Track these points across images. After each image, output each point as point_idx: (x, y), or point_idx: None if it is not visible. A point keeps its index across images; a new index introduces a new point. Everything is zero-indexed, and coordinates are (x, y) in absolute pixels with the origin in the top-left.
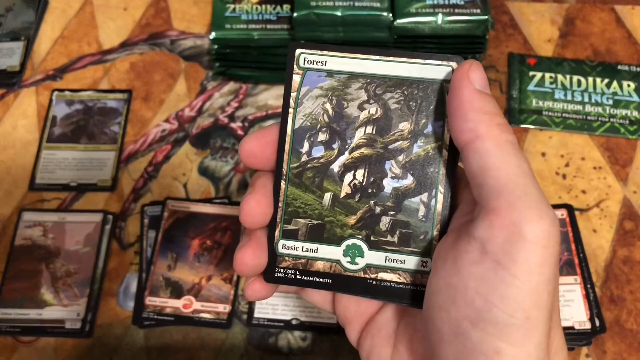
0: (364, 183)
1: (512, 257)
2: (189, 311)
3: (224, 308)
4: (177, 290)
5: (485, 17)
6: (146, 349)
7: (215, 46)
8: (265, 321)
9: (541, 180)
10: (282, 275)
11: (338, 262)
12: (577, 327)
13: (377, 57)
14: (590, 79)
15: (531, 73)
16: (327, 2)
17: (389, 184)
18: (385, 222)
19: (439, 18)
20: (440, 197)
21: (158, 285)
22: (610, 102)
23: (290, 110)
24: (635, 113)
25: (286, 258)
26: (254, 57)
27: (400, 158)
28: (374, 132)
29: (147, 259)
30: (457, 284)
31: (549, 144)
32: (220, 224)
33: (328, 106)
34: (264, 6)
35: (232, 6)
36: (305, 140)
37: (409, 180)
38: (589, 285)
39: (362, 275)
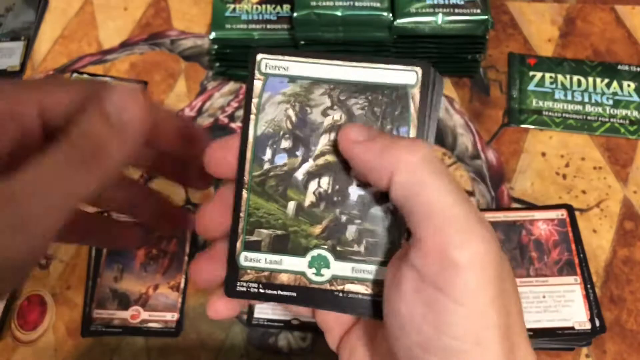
0: (329, 191)
1: (450, 283)
2: (137, 322)
3: (172, 316)
4: (124, 302)
5: (486, 17)
6: (146, 349)
7: (215, 46)
8: (265, 321)
9: (541, 180)
10: (245, 289)
11: (303, 274)
12: (577, 327)
13: (340, 62)
14: (591, 79)
15: (531, 73)
16: (327, 2)
17: (354, 192)
18: (351, 231)
19: (439, 18)
20: None
21: (105, 298)
22: (611, 102)
23: (252, 116)
24: (635, 113)
25: (248, 271)
26: None
27: None
28: None
29: (93, 271)
30: (404, 312)
31: (549, 144)
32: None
33: (291, 112)
34: (264, 6)
35: (232, 6)
36: (268, 148)
37: (375, 188)
38: (589, 286)
39: (328, 287)
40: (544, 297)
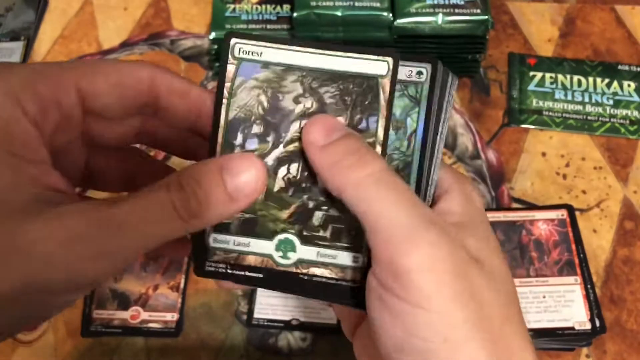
0: (298, 177)
1: (405, 290)
2: (136, 322)
3: (172, 317)
4: (124, 302)
5: (486, 17)
6: (146, 349)
7: (215, 46)
8: (265, 322)
9: (541, 180)
10: (213, 269)
11: (270, 256)
12: (577, 327)
13: (314, 50)
14: (591, 79)
15: (531, 73)
16: (327, 2)
17: None
18: (318, 217)
19: (439, 18)
20: None
21: (105, 298)
22: (611, 102)
23: (224, 101)
24: (635, 113)
25: (217, 252)
26: None
27: None
28: None
29: None
30: (375, 318)
31: (550, 144)
32: None
33: (263, 98)
34: (264, 6)
35: (232, 6)
36: (239, 133)
37: None
38: (589, 286)
39: (294, 270)
40: (544, 297)
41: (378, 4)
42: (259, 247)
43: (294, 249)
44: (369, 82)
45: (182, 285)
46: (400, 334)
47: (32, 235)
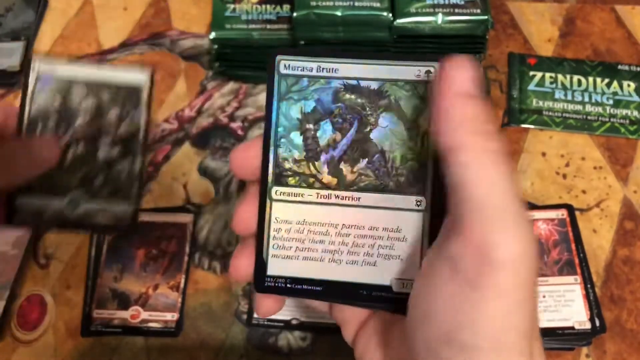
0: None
1: (482, 279)
2: (137, 321)
3: (172, 316)
4: (124, 301)
5: (486, 17)
6: (146, 349)
7: (215, 46)
8: (265, 321)
9: (541, 180)
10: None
11: None
12: (577, 327)
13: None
14: (591, 79)
15: (531, 73)
16: (327, 2)
17: None
18: None
19: (439, 18)
20: None
21: (105, 297)
22: (611, 102)
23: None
24: (635, 113)
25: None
26: (254, 57)
27: None
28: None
29: (93, 271)
30: (430, 301)
31: (549, 144)
32: (165, 232)
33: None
34: (264, 6)
35: (232, 6)
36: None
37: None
38: (589, 285)
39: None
40: (544, 296)
41: (378, 4)
42: None
43: None
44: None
45: (182, 284)
46: (452, 324)
47: None
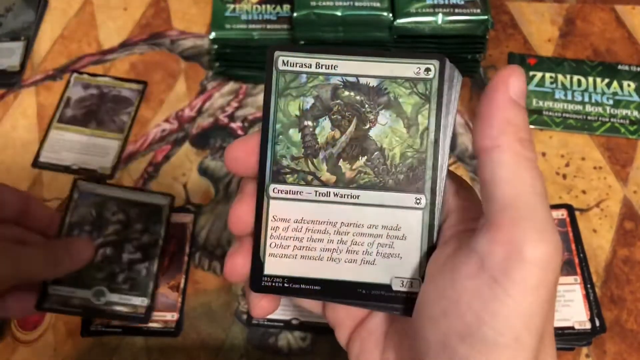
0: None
1: (509, 275)
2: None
3: (171, 316)
4: None
5: (486, 17)
6: (146, 349)
7: (215, 46)
8: (265, 321)
9: None
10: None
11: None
12: (577, 327)
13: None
14: (591, 79)
15: (531, 73)
16: (327, 2)
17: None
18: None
19: (439, 18)
20: None
21: None
22: (611, 102)
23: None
24: (635, 113)
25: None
26: (254, 57)
27: None
28: None
29: None
30: (451, 296)
31: (550, 144)
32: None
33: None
34: (264, 6)
35: (232, 6)
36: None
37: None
38: (589, 285)
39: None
40: None
41: (378, 4)
42: None
43: None
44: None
45: (182, 285)
46: (471, 319)
47: None
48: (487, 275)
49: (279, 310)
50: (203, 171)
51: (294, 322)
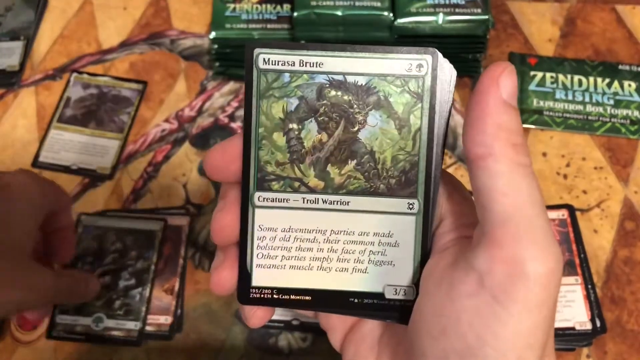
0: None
1: (511, 295)
2: None
3: (165, 320)
4: None
5: (486, 17)
6: (146, 349)
7: (215, 46)
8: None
9: (542, 180)
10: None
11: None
12: (577, 327)
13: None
14: (591, 79)
15: (532, 73)
16: (327, 1)
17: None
18: None
19: (440, 18)
20: None
21: None
22: (612, 102)
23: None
24: (636, 113)
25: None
26: None
27: None
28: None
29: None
30: (449, 315)
31: (550, 144)
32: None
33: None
34: (264, 6)
35: (232, 6)
36: None
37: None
38: (589, 286)
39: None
40: None
41: (378, 4)
42: None
43: None
44: None
45: (176, 288)
46: (472, 340)
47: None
48: (488, 294)
49: (279, 310)
50: (203, 171)
51: (295, 322)
